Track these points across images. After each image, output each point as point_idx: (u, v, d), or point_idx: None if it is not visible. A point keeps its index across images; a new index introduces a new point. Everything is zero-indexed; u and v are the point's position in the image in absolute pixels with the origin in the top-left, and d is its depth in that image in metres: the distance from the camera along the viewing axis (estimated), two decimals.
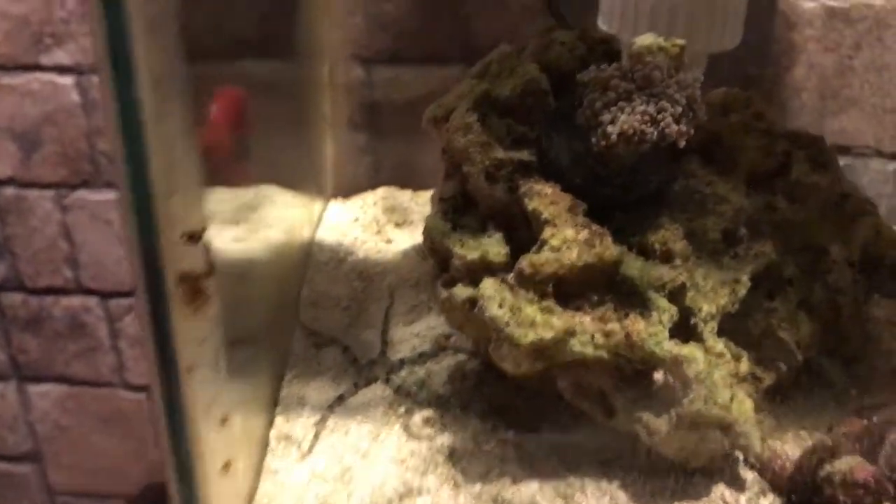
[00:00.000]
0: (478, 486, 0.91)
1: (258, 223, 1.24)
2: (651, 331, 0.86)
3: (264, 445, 0.96)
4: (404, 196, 1.47)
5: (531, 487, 0.91)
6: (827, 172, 1.00)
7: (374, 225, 1.37)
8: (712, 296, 0.91)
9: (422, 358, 1.06)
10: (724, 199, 0.94)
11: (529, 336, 0.86)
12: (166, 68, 0.59)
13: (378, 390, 1.04)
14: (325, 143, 1.45)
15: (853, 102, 1.56)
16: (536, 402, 1.00)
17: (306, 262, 1.27)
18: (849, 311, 1.05)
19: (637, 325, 0.86)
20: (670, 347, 0.85)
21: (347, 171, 1.50)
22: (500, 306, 0.86)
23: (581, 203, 0.90)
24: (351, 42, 1.47)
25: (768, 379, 0.97)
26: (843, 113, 1.58)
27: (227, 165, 1.34)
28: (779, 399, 1.01)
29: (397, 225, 1.39)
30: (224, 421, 0.68)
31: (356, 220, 1.39)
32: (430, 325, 1.12)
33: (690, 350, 0.85)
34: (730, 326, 0.95)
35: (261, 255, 1.17)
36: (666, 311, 0.86)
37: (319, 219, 1.39)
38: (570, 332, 0.87)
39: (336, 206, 1.45)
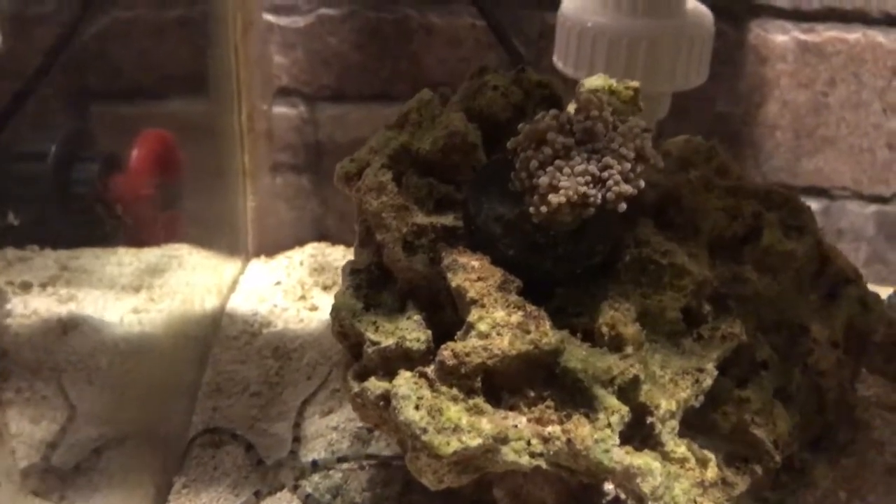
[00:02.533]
0: None
1: (161, 290, 1.09)
2: (598, 437, 0.70)
3: None
4: (336, 253, 1.31)
5: None
6: (803, 237, 0.86)
7: (297, 289, 1.22)
8: (671, 388, 0.76)
9: (339, 461, 0.91)
10: (683, 271, 0.79)
11: (452, 444, 0.70)
12: None
13: (283, 500, 0.87)
14: (243, 195, 1.30)
15: (829, 142, 1.46)
16: None
17: (212, 338, 1.11)
18: (833, 397, 0.90)
19: (581, 430, 0.71)
20: (621, 457, 0.70)
21: (274, 222, 1.35)
22: (417, 408, 0.71)
23: (514, 279, 0.75)
24: (290, 77, 1.35)
25: (742, 484, 0.82)
26: (819, 153, 1.47)
27: (142, 217, 1.19)
28: None
29: (325, 288, 1.23)
30: None
31: (277, 283, 1.23)
32: (351, 416, 0.96)
33: (645, 461, 0.70)
34: (694, 422, 0.81)
35: (157, 331, 1.01)
36: (616, 412, 0.71)
37: (234, 283, 1.23)
38: (502, 439, 0.71)
39: (257, 265, 1.29)
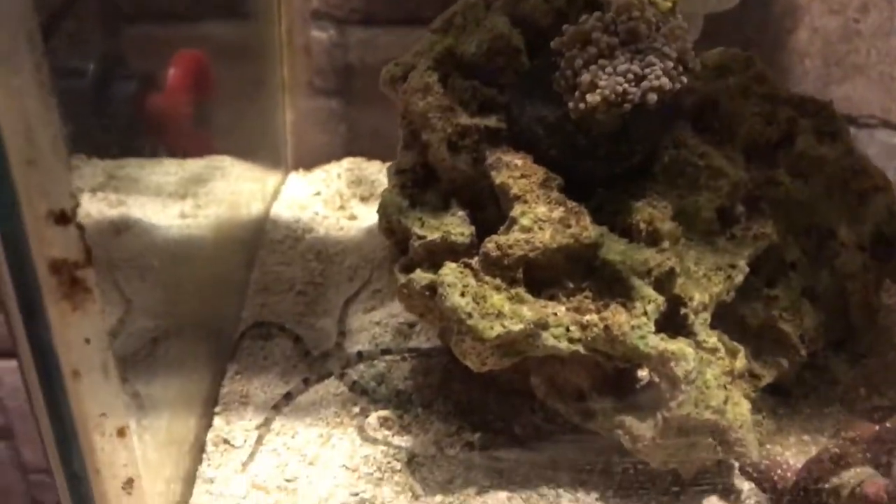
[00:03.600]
0: (439, 497, 0.80)
1: (207, 197, 1.13)
2: (634, 323, 0.74)
3: (199, 450, 0.85)
4: (372, 167, 1.34)
5: (499, 498, 0.80)
6: (836, 144, 0.88)
7: (336, 199, 1.25)
8: (705, 283, 0.80)
9: (383, 353, 0.96)
10: (719, 173, 0.82)
11: (495, 329, 0.75)
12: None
13: (331, 387, 0.92)
14: (283, 110, 1.33)
15: (859, 70, 1.45)
16: (508, 401, 0.89)
17: (258, 242, 1.15)
18: (858, 300, 0.94)
19: (618, 317, 0.75)
20: (656, 343, 0.74)
21: (310, 141, 1.38)
22: (463, 295, 0.75)
23: (556, 177, 0.78)
24: (321, 1, 1.35)
25: (768, 377, 0.86)
26: (849, 80, 1.47)
27: (180, 134, 1.23)
28: (780, 399, 0.92)
29: (363, 199, 1.27)
30: (121, 433, 0.57)
31: (317, 193, 1.27)
32: (393, 313, 1.01)
33: (679, 346, 0.74)
34: (724, 317, 0.85)
35: (205, 234, 1.06)
36: (652, 301, 0.75)
37: (276, 193, 1.27)
38: (542, 325, 0.75)
39: (296, 178, 1.33)
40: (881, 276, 0.98)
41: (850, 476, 0.76)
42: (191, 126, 1.23)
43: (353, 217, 1.22)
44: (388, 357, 0.95)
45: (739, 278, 0.82)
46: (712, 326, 0.82)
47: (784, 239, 0.88)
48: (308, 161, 1.39)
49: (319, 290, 1.07)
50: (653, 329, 0.75)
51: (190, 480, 0.82)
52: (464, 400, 0.89)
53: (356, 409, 0.89)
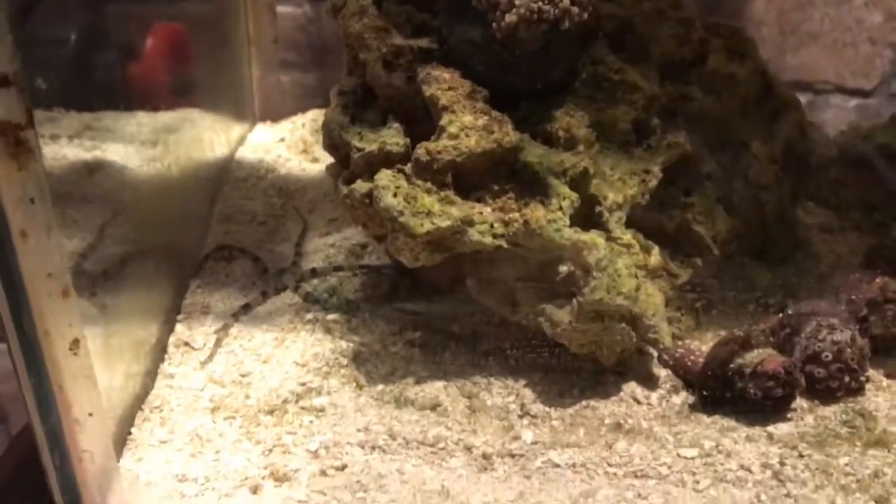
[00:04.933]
0: (380, 387, 0.88)
1: (175, 144, 1.20)
2: (550, 217, 0.82)
3: (160, 352, 0.92)
4: None
5: (435, 387, 0.88)
6: (745, 63, 0.96)
7: (300, 144, 1.33)
8: (620, 185, 0.87)
9: (335, 269, 1.03)
10: (634, 88, 0.89)
11: (425, 225, 0.82)
12: None
13: (286, 298, 1.00)
14: (248, 64, 1.40)
15: (814, 37, 1.52)
16: (448, 308, 0.96)
17: (222, 180, 1.22)
18: (773, 210, 1.02)
19: (536, 213, 0.82)
20: (570, 235, 0.82)
21: (275, 93, 1.45)
22: (395, 195, 0.82)
23: (481, 89, 0.85)
24: None
25: (684, 275, 0.94)
26: (804, 48, 1.53)
27: (156, 95, 1.30)
28: (700, 301, 0.99)
29: None
30: (65, 294, 0.63)
31: (282, 140, 1.34)
32: (346, 236, 1.08)
33: (591, 237, 0.81)
34: (644, 221, 0.92)
35: (171, 174, 1.13)
36: (567, 198, 0.82)
37: (242, 139, 1.34)
38: (468, 222, 0.83)
39: (263, 128, 1.40)
40: (796, 191, 1.06)
41: (752, 357, 0.83)
42: (166, 89, 1.31)
43: (315, 160, 1.29)
44: (340, 273, 1.02)
45: (653, 183, 0.89)
46: (632, 229, 0.89)
47: (700, 151, 0.96)
48: (276, 114, 1.46)
49: (279, 220, 1.14)
50: (568, 223, 0.82)
51: (152, 376, 0.89)
52: (408, 308, 0.96)
53: (309, 316, 0.97)
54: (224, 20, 1.37)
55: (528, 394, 0.87)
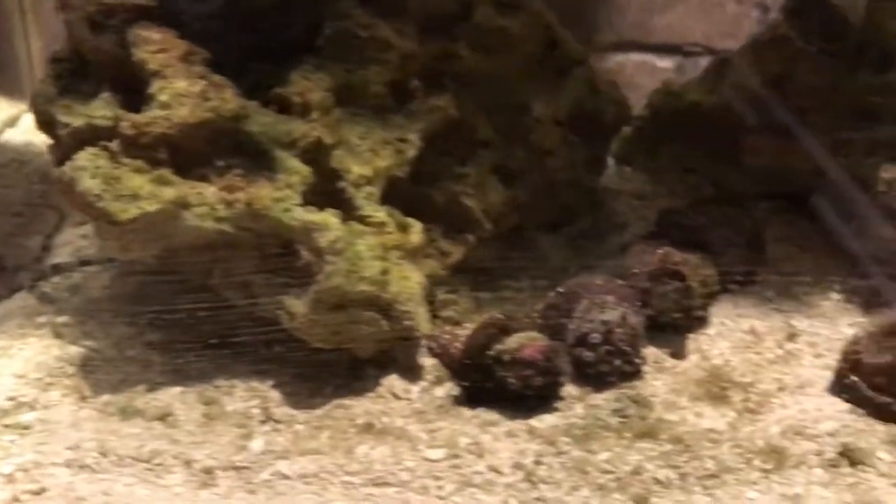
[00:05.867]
0: (106, 397, 0.76)
1: None
2: (277, 196, 0.72)
3: None
4: None
5: (171, 394, 0.77)
6: (518, 15, 0.87)
7: None
8: (369, 157, 0.78)
9: (82, 264, 0.91)
10: (387, 45, 0.80)
11: (130, 211, 0.70)
12: None
13: (20, 300, 0.88)
14: (26, 37, 1.26)
15: None
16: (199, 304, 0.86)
17: None
18: (564, 178, 0.93)
19: (261, 191, 0.72)
20: (300, 215, 0.72)
21: None
22: (94, 177, 0.71)
23: (200, 51, 0.74)
24: None
25: (457, 253, 0.85)
26: (671, 9, 1.46)
27: None
28: (484, 278, 0.91)
29: None
30: None
31: None
32: None
33: (322, 217, 0.72)
34: (410, 196, 0.83)
35: None
36: (296, 174, 0.72)
37: (13, 120, 1.21)
38: (184, 204, 0.72)
39: None
40: (595, 155, 0.98)
41: (512, 342, 0.75)
42: None
43: None
44: (88, 268, 0.91)
45: (411, 152, 0.80)
46: (394, 204, 0.80)
47: (474, 116, 0.87)
48: None
49: (37, 210, 1.02)
50: (298, 202, 0.72)
51: None
52: (156, 304, 0.86)
53: (41, 320, 0.85)
54: None
55: (275, 396, 0.77)
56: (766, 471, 0.69)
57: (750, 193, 0.99)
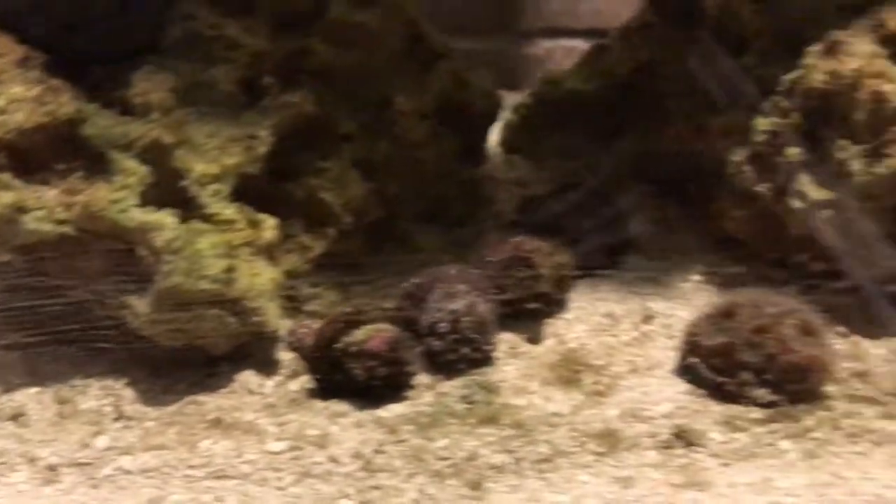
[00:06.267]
0: None
1: None
2: (114, 197, 0.72)
3: None
4: None
5: (27, 394, 0.78)
6: (376, 10, 0.87)
7: None
8: (216, 155, 0.78)
9: None
10: (235, 44, 0.80)
11: None
12: None
13: None
14: None
15: None
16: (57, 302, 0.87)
17: None
18: (435, 169, 0.94)
19: (98, 193, 0.73)
20: (138, 215, 0.73)
21: None
22: None
23: (38, 55, 0.75)
24: None
25: (317, 247, 0.86)
26: None
27: None
28: (351, 270, 0.91)
29: None
30: None
31: None
32: None
33: (157, 217, 0.72)
34: (269, 192, 0.84)
35: None
36: (134, 174, 0.73)
37: None
38: (22, 208, 0.72)
39: None
40: (468, 146, 0.99)
41: (360, 334, 0.76)
42: None
43: None
44: None
45: (262, 149, 0.81)
46: (247, 200, 0.81)
47: (335, 111, 0.87)
48: None
49: None
50: (135, 202, 0.73)
51: None
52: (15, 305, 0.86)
53: None
54: None
55: (128, 394, 0.78)
56: (599, 454, 0.70)
57: (624, 179, 1.00)
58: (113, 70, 0.78)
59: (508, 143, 1.10)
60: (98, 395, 0.78)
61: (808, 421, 0.74)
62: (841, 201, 0.79)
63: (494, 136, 1.11)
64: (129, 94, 0.76)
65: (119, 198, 0.72)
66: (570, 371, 0.81)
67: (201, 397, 0.78)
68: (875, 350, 0.84)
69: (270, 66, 0.82)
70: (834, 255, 0.83)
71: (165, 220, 0.72)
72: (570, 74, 1.07)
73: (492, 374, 0.79)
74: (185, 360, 0.81)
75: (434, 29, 0.94)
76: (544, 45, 1.64)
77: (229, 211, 0.78)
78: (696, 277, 0.91)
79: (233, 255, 0.76)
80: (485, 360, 0.79)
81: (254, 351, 0.82)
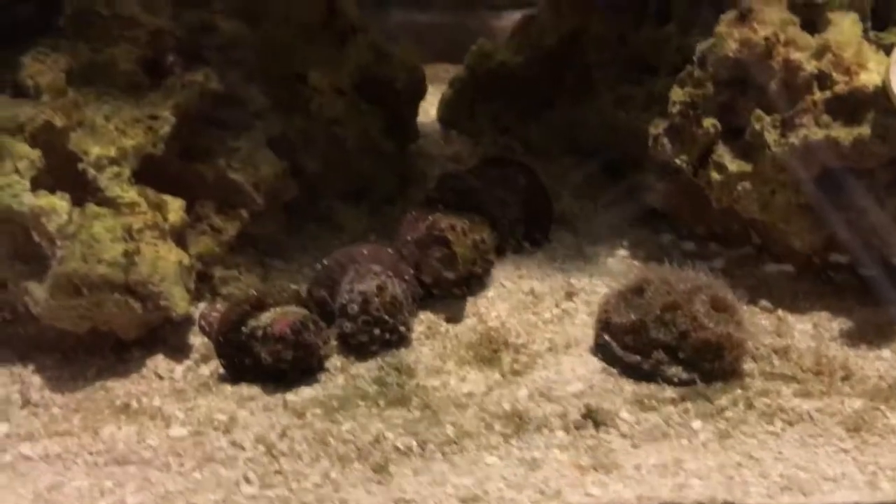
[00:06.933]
0: None
1: None
2: (4, 182, 0.70)
3: None
4: None
5: None
6: None
7: None
8: (115, 136, 0.76)
9: None
10: (135, 23, 0.78)
11: None
12: None
13: None
14: None
15: None
16: None
17: None
18: (357, 146, 0.92)
19: None
20: (29, 200, 0.70)
21: None
22: None
23: None
24: None
25: (231, 229, 0.83)
26: None
27: None
28: (273, 251, 0.90)
29: None
30: None
31: None
32: None
33: (49, 201, 0.70)
34: (176, 172, 0.82)
35: None
36: (25, 158, 0.71)
37: None
38: None
39: None
40: (393, 122, 0.96)
41: (266, 317, 0.75)
42: None
43: None
44: None
45: (165, 129, 0.78)
46: (151, 182, 0.79)
47: (244, 88, 0.85)
48: None
49: None
50: (27, 187, 0.71)
51: None
52: None
53: None
54: None
55: (37, 381, 0.77)
56: (506, 435, 0.69)
57: (555, 151, 0.99)
58: (3, 52, 0.76)
59: (445, 118, 1.08)
60: (5, 382, 0.77)
61: (722, 400, 0.73)
62: (760, 173, 0.78)
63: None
64: (21, 77, 0.74)
65: (9, 182, 0.70)
66: (489, 350, 0.79)
67: (110, 383, 0.76)
68: (800, 325, 0.83)
69: (173, 44, 0.80)
70: (756, 229, 0.82)
71: (58, 204, 0.70)
72: (500, 46, 1.05)
73: (407, 356, 0.78)
74: (95, 346, 0.79)
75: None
76: (512, 18, 1.61)
77: (130, 193, 0.76)
78: (622, 252, 0.90)
79: (134, 239, 0.74)
80: (400, 341, 0.78)
81: (166, 336, 0.80)
